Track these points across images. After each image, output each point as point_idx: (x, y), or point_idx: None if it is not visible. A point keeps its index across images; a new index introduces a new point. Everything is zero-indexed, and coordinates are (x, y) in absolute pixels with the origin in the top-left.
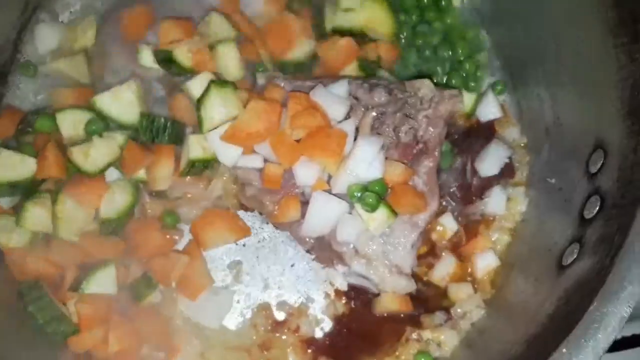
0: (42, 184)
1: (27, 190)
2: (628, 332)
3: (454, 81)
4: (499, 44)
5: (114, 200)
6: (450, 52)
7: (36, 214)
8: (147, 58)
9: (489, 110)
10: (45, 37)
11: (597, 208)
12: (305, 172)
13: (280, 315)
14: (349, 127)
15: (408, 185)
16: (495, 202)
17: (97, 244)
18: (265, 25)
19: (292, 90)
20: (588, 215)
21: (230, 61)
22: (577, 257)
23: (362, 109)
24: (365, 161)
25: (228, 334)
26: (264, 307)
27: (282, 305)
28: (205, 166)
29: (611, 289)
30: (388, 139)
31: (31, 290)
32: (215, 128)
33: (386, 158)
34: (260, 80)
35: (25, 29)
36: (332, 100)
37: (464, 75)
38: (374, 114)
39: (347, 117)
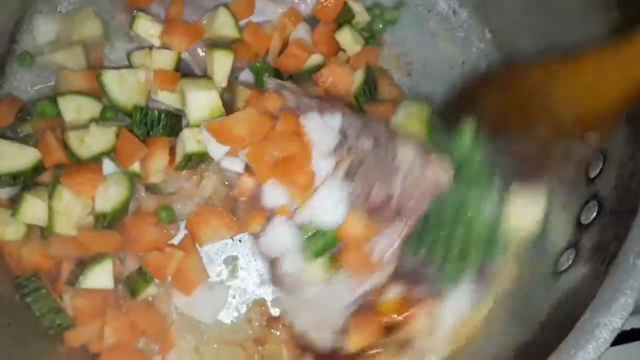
0: (40, 175)
1: (28, 180)
2: (628, 326)
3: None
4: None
5: (109, 193)
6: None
7: (34, 206)
8: (141, 28)
9: None
10: (43, 28)
11: (595, 214)
12: (273, 194)
13: (275, 311)
14: (327, 163)
15: (363, 244)
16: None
17: (94, 237)
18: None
19: (295, 106)
20: (585, 220)
21: (221, 70)
22: (572, 263)
23: (346, 149)
24: (330, 202)
25: (223, 329)
26: (260, 303)
27: (277, 301)
28: (201, 160)
29: (603, 299)
30: (360, 189)
31: (30, 281)
32: (200, 122)
33: (353, 207)
34: (269, 84)
35: (23, 19)
36: (323, 131)
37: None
38: (353, 158)
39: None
